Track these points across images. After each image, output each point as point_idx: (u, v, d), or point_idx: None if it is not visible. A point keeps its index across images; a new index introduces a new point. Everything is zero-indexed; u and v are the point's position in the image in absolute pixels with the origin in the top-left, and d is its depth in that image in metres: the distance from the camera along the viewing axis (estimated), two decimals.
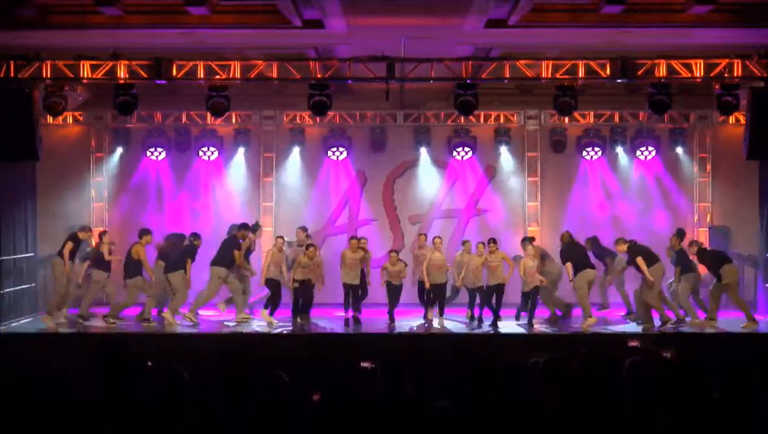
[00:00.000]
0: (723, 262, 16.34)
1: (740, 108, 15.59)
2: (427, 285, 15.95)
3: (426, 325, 16.00)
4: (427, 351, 13.13)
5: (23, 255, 17.50)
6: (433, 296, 16.05)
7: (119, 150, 19.62)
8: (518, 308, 16.33)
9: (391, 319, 16.06)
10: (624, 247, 16.37)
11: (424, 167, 19.90)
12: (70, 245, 16.46)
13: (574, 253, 16.27)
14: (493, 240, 16.32)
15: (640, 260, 15.85)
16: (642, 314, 16.06)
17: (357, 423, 6.05)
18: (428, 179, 19.97)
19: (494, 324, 15.77)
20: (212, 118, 17.37)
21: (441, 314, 16.07)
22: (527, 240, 16.68)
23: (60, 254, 16.40)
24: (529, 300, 15.94)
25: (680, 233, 16.93)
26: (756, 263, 18.18)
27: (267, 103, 19.45)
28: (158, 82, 15.39)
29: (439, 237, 16.64)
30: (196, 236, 16.73)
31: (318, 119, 18.27)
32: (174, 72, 15.13)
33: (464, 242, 16.64)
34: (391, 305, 16.19)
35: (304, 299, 16.02)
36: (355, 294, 16.32)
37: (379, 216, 19.90)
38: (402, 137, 19.82)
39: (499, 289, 16.02)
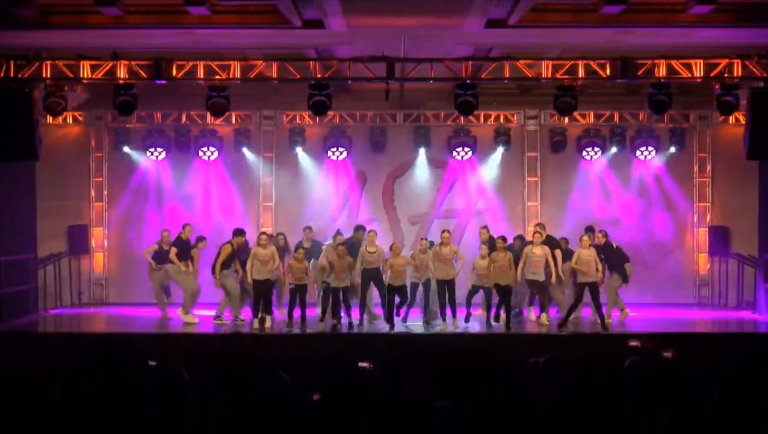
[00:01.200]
0: (626, 260, 16.65)
1: (740, 108, 15.59)
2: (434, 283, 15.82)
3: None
4: (427, 351, 13.14)
5: (23, 255, 17.49)
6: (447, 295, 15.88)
7: (119, 150, 19.62)
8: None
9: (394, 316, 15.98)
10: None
11: (423, 167, 19.91)
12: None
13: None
14: (503, 238, 16.09)
15: (558, 253, 16.06)
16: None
17: (357, 423, 6.05)
18: (428, 179, 19.97)
19: (507, 325, 15.32)
20: (212, 118, 17.37)
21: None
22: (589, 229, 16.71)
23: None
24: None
25: (589, 229, 17.01)
26: (756, 263, 18.18)
27: (267, 103, 19.46)
28: (158, 82, 15.39)
29: (447, 231, 16.38)
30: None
31: (318, 119, 18.28)
32: (174, 72, 15.13)
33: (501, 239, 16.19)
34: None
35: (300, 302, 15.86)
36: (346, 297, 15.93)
37: (379, 216, 19.90)
38: (402, 137, 19.83)
39: (505, 289, 15.59)
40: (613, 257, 16.58)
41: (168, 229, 17.32)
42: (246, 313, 16.37)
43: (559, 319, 15.82)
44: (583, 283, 15.72)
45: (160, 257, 16.76)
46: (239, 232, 16.43)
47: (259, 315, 15.66)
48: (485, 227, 17.15)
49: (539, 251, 15.80)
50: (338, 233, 17.19)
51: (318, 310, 16.52)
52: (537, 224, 17.29)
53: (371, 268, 15.74)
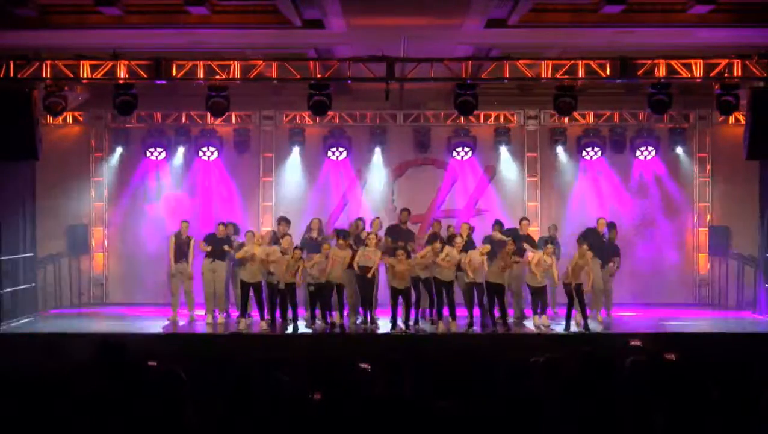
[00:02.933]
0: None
1: (740, 108, 15.58)
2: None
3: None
4: (427, 351, 13.14)
5: (23, 255, 17.49)
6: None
7: (119, 150, 19.62)
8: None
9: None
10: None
11: (423, 167, 19.90)
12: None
13: None
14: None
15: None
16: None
17: (357, 424, 6.05)
18: (428, 179, 19.97)
19: (504, 324, 15.31)
20: (212, 118, 17.35)
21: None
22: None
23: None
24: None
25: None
26: (756, 263, 18.17)
27: (267, 103, 19.46)
28: (158, 82, 15.38)
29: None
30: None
31: (318, 118, 18.27)
32: (174, 72, 15.12)
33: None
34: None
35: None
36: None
37: (379, 216, 19.84)
38: (402, 137, 19.82)
39: (499, 288, 15.62)
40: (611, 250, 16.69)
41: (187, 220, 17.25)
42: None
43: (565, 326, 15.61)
44: (569, 284, 15.52)
45: (180, 252, 16.71)
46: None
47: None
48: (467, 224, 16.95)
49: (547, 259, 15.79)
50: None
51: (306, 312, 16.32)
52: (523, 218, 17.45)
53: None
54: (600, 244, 16.62)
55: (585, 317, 15.35)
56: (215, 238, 16.59)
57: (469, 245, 15.96)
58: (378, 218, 17.51)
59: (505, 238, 16.12)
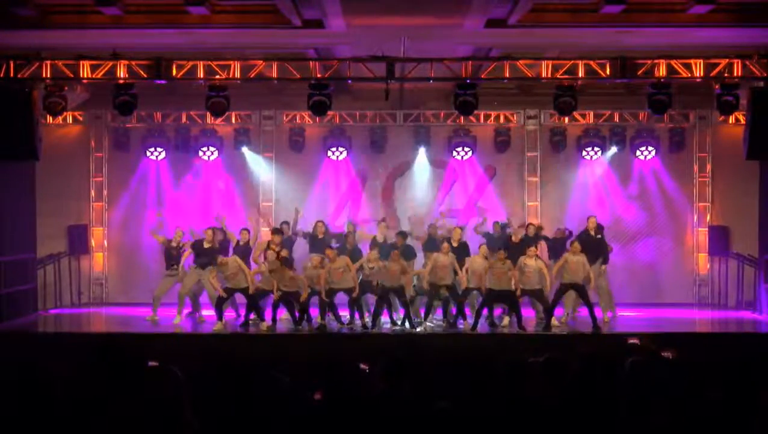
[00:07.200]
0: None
1: (740, 108, 15.59)
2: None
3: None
4: (427, 352, 13.13)
5: (23, 255, 17.49)
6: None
7: (119, 150, 19.62)
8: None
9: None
10: None
11: (423, 167, 19.90)
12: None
13: None
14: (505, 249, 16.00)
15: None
16: None
17: (357, 424, 6.05)
18: (428, 179, 19.97)
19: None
20: (212, 118, 17.35)
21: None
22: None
23: None
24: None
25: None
26: (756, 263, 18.17)
27: (267, 103, 19.46)
28: (158, 82, 15.39)
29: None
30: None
31: (318, 118, 18.27)
32: (174, 72, 15.13)
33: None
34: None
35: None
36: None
37: (379, 216, 19.85)
38: (402, 137, 19.83)
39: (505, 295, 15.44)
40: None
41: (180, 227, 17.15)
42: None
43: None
44: (567, 284, 15.46)
45: (171, 258, 16.68)
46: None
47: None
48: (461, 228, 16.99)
49: (532, 263, 15.38)
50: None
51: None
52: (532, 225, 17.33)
53: (367, 280, 15.66)
54: (589, 242, 16.34)
55: (594, 317, 15.34)
56: (202, 247, 16.46)
57: (462, 249, 16.05)
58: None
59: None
